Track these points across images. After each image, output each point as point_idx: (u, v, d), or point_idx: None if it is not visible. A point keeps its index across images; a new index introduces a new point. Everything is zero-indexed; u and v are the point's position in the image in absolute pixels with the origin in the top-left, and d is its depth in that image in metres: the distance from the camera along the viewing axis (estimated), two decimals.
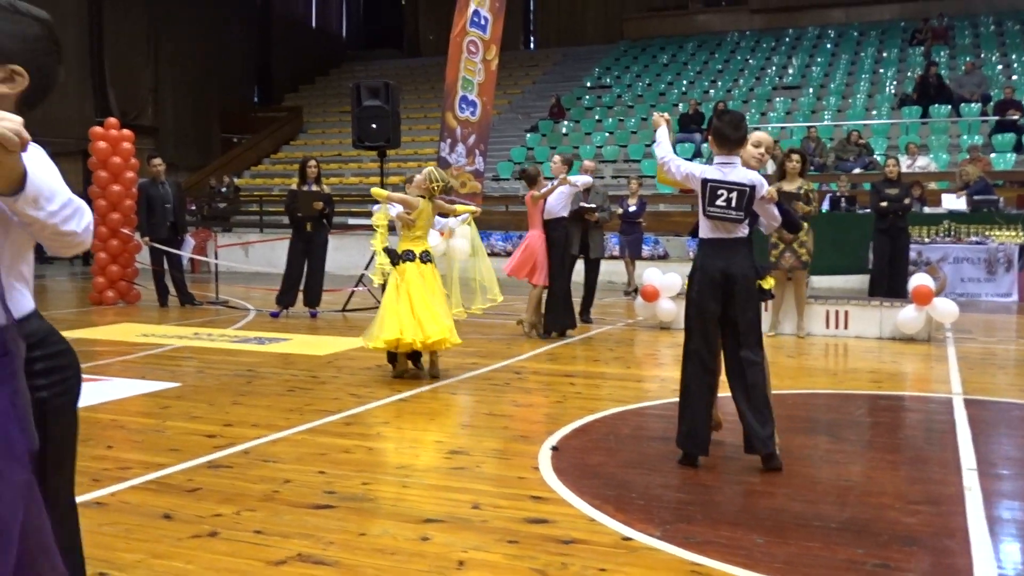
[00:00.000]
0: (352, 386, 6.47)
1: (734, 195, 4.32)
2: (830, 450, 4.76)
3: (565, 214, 9.09)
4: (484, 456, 4.57)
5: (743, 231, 4.42)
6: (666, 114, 4.82)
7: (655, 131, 4.76)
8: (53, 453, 1.81)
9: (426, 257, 6.77)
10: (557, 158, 9.32)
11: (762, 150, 4.63)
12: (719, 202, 4.33)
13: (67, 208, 1.58)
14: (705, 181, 4.38)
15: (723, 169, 4.40)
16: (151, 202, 11.57)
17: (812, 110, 21.08)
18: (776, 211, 4.59)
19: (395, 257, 6.68)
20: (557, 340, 8.83)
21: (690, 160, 18.78)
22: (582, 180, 9.05)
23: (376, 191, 6.88)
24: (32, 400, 1.70)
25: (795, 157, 8.75)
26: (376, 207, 7.06)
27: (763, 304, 4.82)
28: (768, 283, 4.67)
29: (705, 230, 4.45)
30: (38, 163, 1.63)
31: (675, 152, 4.74)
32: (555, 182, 8.88)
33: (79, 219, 1.61)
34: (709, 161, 4.55)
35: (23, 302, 1.77)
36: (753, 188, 4.36)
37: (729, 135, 4.40)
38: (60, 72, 1.85)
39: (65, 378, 1.85)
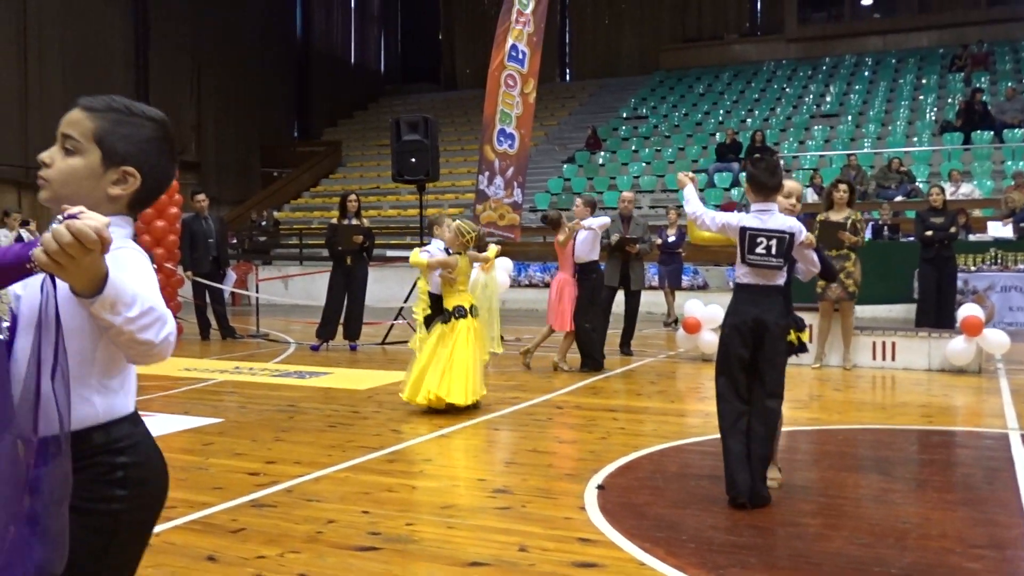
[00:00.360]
0: (393, 421, 6.43)
1: (774, 242, 4.30)
2: (885, 489, 4.63)
3: (595, 257, 9.05)
4: (529, 495, 4.49)
5: (781, 279, 4.40)
6: (690, 173, 4.88)
7: (681, 191, 4.78)
8: (113, 571, 1.70)
9: (474, 311, 6.92)
10: (579, 201, 9.30)
11: (793, 200, 4.63)
12: (759, 249, 4.32)
13: (147, 317, 1.48)
14: (744, 229, 4.36)
15: (761, 216, 4.38)
16: (194, 237, 11.70)
17: (851, 138, 20.91)
18: (815, 257, 4.58)
19: (447, 315, 6.78)
20: (596, 374, 8.75)
21: (728, 190, 18.75)
22: (598, 223, 8.97)
23: (416, 261, 6.96)
24: (104, 511, 1.65)
25: (842, 187, 8.67)
26: (420, 251, 7.16)
27: (807, 334, 4.79)
28: (805, 336, 4.64)
29: (742, 275, 4.43)
30: (131, 267, 1.59)
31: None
32: (570, 226, 8.86)
33: (158, 329, 1.51)
34: (744, 206, 4.55)
35: (115, 404, 1.70)
36: (792, 235, 4.35)
37: (766, 181, 4.38)
38: (174, 169, 1.83)
39: (145, 492, 1.74)
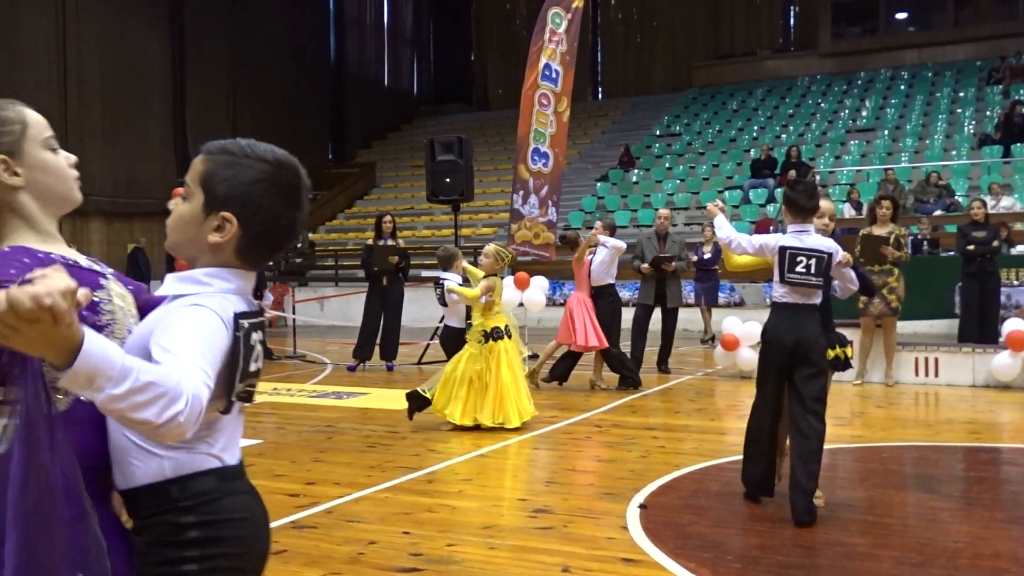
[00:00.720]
0: (432, 441, 6.43)
1: (813, 261, 4.41)
2: (933, 507, 4.54)
3: (611, 280, 9.02)
4: (570, 515, 4.46)
5: (818, 298, 4.49)
6: (719, 202, 5.05)
7: (711, 220, 4.94)
8: None
9: (508, 331, 7.01)
10: (599, 224, 9.34)
11: (826, 220, 4.72)
12: (799, 268, 4.41)
13: (142, 393, 1.25)
14: (783, 248, 4.46)
15: (799, 237, 4.49)
16: None
17: (888, 152, 20.69)
18: (853, 275, 4.67)
19: (486, 337, 6.88)
20: (634, 391, 8.69)
21: (763, 206, 18.59)
22: (612, 242, 8.93)
23: (473, 294, 6.98)
24: (175, 572, 1.52)
25: (885, 203, 8.65)
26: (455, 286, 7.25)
27: (850, 350, 4.85)
28: (849, 351, 4.76)
29: (781, 295, 4.52)
30: (173, 328, 1.44)
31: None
32: (587, 239, 8.89)
33: (161, 408, 1.27)
34: (779, 223, 4.68)
35: (190, 457, 1.54)
36: (830, 255, 4.46)
37: (804, 204, 4.49)
38: (291, 215, 1.64)
39: (225, 553, 1.55)
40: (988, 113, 21.41)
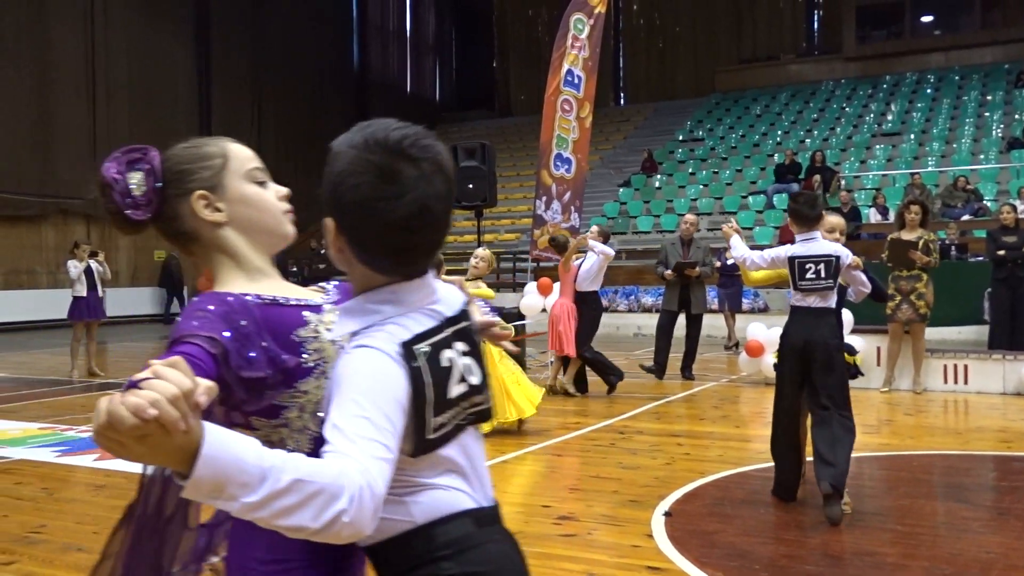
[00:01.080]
0: None
1: (821, 266, 4.65)
2: (965, 517, 4.46)
3: (596, 287, 8.95)
4: (595, 522, 4.42)
5: (832, 300, 4.70)
6: (733, 223, 5.35)
7: (727, 241, 5.23)
8: None
9: None
10: (595, 229, 9.34)
11: (836, 234, 4.92)
12: (809, 275, 4.69)
13: (288, 496, 1.07)
14: (792, 258, 4.74)
15: (806, 245, 4.75)
16: None
17: (914, 156, 20.51)
18: (864, 278, 4.88)
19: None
20: (661, 397, 8.63)
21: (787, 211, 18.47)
22: (599, 247, 8.84)
23: (490, 293, 7.01)
24: None
25: (914, 208, 8.58)
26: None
27: (858, 359, 4.97)
28: (859, 360, 4.90)
29: (796, 300, 4.77)
30: (339, 390, 1.23)
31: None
32: (576, 240, 8.87)
33: (318, 509, 1.08)
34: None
35: (433, 500, 1.32)
36: (838, 258, 4.67)
37: (807, 213, 4.76)
38: (381, 207, 1.27)
39: None
40: (1017, 116, 21.16)
